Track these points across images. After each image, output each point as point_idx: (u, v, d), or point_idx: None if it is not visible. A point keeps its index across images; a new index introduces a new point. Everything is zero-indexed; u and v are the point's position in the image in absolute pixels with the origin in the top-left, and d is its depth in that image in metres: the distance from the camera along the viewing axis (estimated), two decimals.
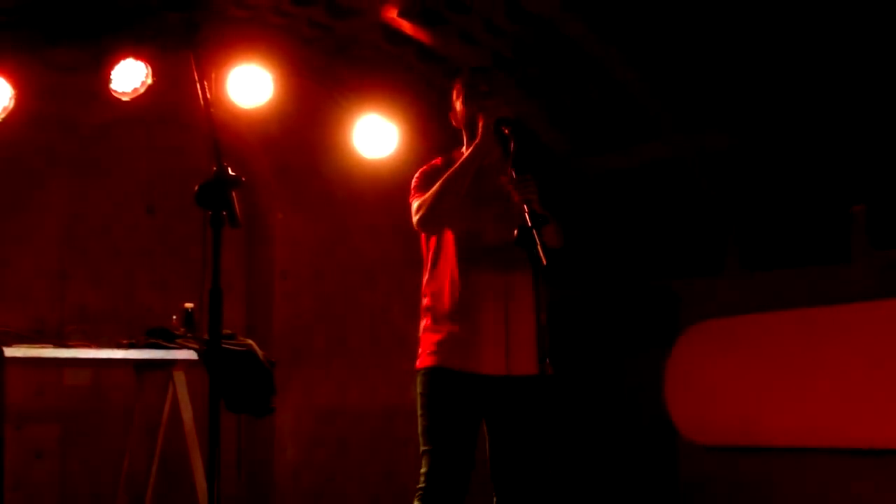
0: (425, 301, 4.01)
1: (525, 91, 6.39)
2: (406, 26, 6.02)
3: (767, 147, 5.86)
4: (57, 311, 6.14)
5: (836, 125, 5.54)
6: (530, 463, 3.86)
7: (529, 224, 3.53)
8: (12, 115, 5.59)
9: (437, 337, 3.91)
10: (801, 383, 5.74)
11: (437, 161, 4.08)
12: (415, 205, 3.95)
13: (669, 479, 6.51)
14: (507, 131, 3.76)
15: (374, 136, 6.48)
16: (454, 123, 4.11)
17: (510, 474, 3.87)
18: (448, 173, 3.87)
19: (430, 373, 3.90)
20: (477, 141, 3.84)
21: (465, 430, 3.85)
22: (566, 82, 6.23)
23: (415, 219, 3.94)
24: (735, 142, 5.96)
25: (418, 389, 3.94)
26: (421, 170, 4.08)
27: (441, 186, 3.85)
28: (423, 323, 4.01)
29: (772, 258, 6.10)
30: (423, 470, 3.84)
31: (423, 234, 4.05)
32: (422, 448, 3.87)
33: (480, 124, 3.82)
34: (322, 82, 6.74)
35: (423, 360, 3.94)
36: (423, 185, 3.96)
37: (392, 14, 5.92)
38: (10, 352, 4.81)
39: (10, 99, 5.55)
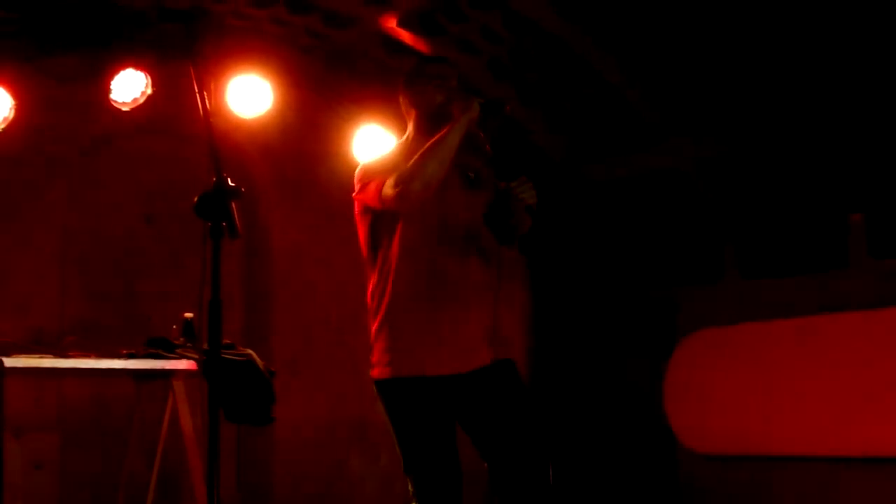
0: (374, 301, 3.75)
1: (523, 98, 6.40)
2: (405, 35, 6.03)
3: (766, 155, 5.86)
4: (56, 322, 6.13)
5: (835, 134, 5.55)
6: (526, 444, 3.62)
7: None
8: (12, 125, 5.59)
9: (395, 341, 3.66)
10: (800, 391, 5.74)
11: (387, 156, 3.85)
12: (391, 180, 3.56)
13: (669, 488, 6.51)
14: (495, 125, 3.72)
15: (374, 145, 6.48)
16: (406, 112, 3.91)
17: (509, 464, 3.62)
18: (432, 142, 3.59)
19: (392, 385, 3.67)
20: (462, 113, 3.62)
21: (445, 440, 3.65)
22: (564, 89, 6.24)
23: (391, 193, 3.54)
24: (734, 150, 5.97)
25: (384, 405, 3.71)
26: (369, 163, 3.83)
27: (428, 155, 3.56)
28: (375, 325, 3.74)
29: (770, 267, 6.10)
30: (411, 490, 3.65)
31: (365, 225, 3.78)
32: (404, 469, 3.67)
33: (457, 108, 3.67)
34: (321, 92, 6.75)
35: (382, 370, 3.69)
36: (386, 167, 3.67)
37: (391, 23, 5.93)
38: (9, 362, 4.80)
39: (10, 109, 5.56)
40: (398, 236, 3.70)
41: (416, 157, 3.58)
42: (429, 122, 3.82)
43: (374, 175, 3.70)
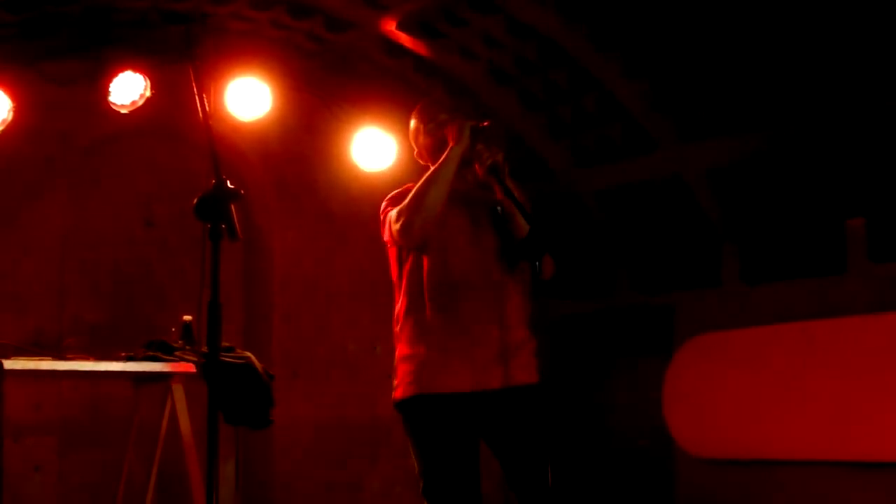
0: (398, 327, 3.81)
1: (524, 105, 6.40)
2: (405, 39, 6.03)
3: (766, 160, 5.86)
4: (55, 324, 6.13)
5: (834, 138, 5.55)
6: (546, 470, 3.61)
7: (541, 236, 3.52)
8: (11, 127, 5.59)
9: (417, 362, 3.70)
10: (799, 396, 5.74)
11: (410, 186, 3.89)
12: (393, 213, 3.72)
13: (667, 492, 6.50)
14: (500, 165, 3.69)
15: (373, 148, 6.49)
16: (422, 160, 3.98)
17: (532, 486, 3.64)
18: (428, 176, 3.69)
19: (416, 403, 3.69)
20: (453, 143, 3.70)
21: (467, 461, 3.66)
22: (565, 96, 6.24)
23: (395, 227, 3.70)
24: (735, 155, 5.97)
25: (406, 424, 3.73)
26: (392, 193, 3.92)
27: (423, 188, 3.66)
28: (399, 349, 3.79)
29: (770, 271, 6.10)
30: None
31: (393, 254, 3.87)
32: (423, 491, 3.67)
33: (451, 136, 3.72)
34: (321, 95, 6.75)
35: (405, 389, 3.72)
36: (399, 201, 3.76)
37: (391, 27, 5.93)
38: (9, 364, 4.80)
39: (9, 111, 5.56)
40: (423, 261, 3.77)
41: (412, 191, 3.68)
42: (436, 158, 3.85)
43: (392, 203, 3.81)
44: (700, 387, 6.24)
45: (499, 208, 3.81)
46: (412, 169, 5.86)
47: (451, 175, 3.68)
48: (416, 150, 4.02)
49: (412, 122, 4.00)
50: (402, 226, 3.67)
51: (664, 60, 5.73)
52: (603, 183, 6.63)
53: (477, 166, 3.73)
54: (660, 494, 6.55)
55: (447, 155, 3.71)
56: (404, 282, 3.82)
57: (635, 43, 5.70)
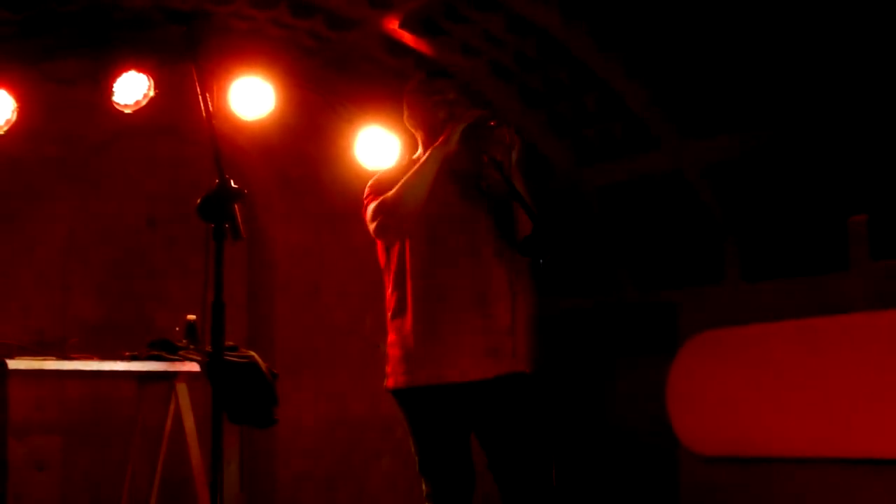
0: (390, 313, 3.85)
1: (525, 102, 6.40)
2: (407, 37, 6.03)
3: (768, 157, 5.86)
4: (59, 324, 6.14)
5: (836, 135, 5.55)
6: (533, 463, 3.68)
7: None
8: (14, 127, 5.60)
9: (406, 351, 3.75)
10: (802, 393, 5.74)
11: (390, 173, 3.90)
12: (371, 209, 3.72)
13: (670, 489, 6.50)
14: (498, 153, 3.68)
15: (376, 147, 6.49)
16: (411, 125, 3.96)
17: (515, 478, 3.68)
18: (408, 177, 3.66)
19: (406, 394, 3.76)
20: (439, 144, 3.68)
21: (457, 445, 3.73)
22: (566, 93, 6.24)
23: (372, 226, 3.71)
24: (736, 152, 5.97)
25: (402, 411, 3.81)
26: (376, 177, 3.90)
27: (402, 190, 3.64)
28: (390, 337, 3.84)
29: (772, 268, 6.09)
30: (425, 491, 3.75)
31: (381, 244, 3.85)
32: (419, 469, 3.77)
33: (448, 130, 3.69)
34: (323, 94, 6.75)
35: (395, 379, 3.79)
36: (380, 190, 3.74)
37: (393, 25, 5.93)
38: (13, 364, 4.81)
39: (13, 112, 5.57)
40: (409, 248, 3.76)
41: (394, 189, 3.65)
42: (431, 139, 3.84)
43: (373, 195, 3.77)
44: (703, 384, 6.24)
45: (483, 183, 3.80)
46: None
47: (432, 177, 3.65)
48: (407, 115, 3.96)
49: (411, 92, 3.94)
50: (377, 226, 3.68)
51: (665, 58, 5.73)
52: (604, 180, 6.63)
53: (485, 158, 3.73)
54: (663, 492, 6.55)
55: (430, 156, 3.68)
56: (392, 268, 3.82)
57: (636, 40, 5.70)
